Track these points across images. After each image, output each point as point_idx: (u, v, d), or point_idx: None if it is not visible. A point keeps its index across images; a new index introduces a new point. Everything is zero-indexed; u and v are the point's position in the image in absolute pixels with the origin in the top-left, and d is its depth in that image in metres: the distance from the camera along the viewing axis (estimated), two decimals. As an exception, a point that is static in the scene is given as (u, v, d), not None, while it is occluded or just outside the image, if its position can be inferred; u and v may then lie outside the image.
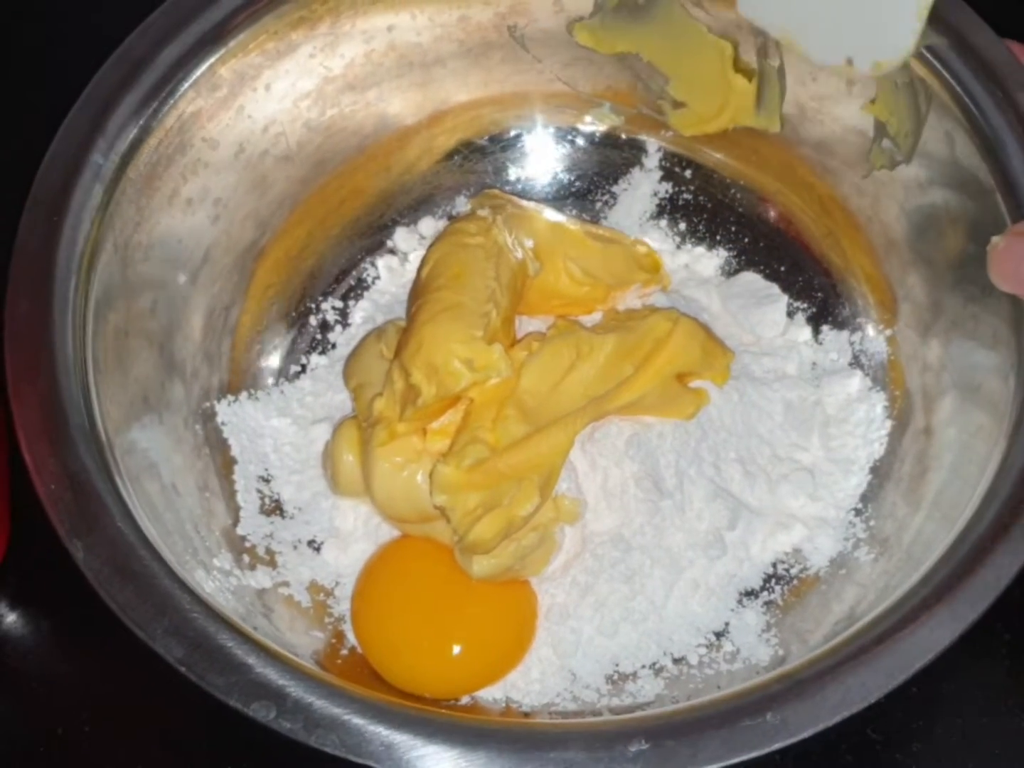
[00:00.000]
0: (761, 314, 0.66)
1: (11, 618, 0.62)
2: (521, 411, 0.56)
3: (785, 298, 0.67)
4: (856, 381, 0.64)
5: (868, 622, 0.48)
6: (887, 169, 0.61)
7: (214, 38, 0.59)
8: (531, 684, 0.58)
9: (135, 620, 0.46)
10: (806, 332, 0.67)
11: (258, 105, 0.63)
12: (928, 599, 0.47)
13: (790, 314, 0.67)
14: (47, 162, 0.56)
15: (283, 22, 0.61)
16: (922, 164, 0.59)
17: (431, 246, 0.61)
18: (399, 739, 0.45)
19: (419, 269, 0.61)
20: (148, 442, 0.57)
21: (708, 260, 0.70)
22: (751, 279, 0.68)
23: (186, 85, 0.59)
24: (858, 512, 0.61)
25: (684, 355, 0.59)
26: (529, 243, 0.61)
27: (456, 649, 0.57)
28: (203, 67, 0.59)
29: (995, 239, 0.51)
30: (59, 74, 0.58)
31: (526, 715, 0.57)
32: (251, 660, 0.46)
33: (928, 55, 0.57)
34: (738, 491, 0.61)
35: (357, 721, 0.45)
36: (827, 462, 0.63)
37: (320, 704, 0.45)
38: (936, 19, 0.55)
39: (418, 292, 0.60)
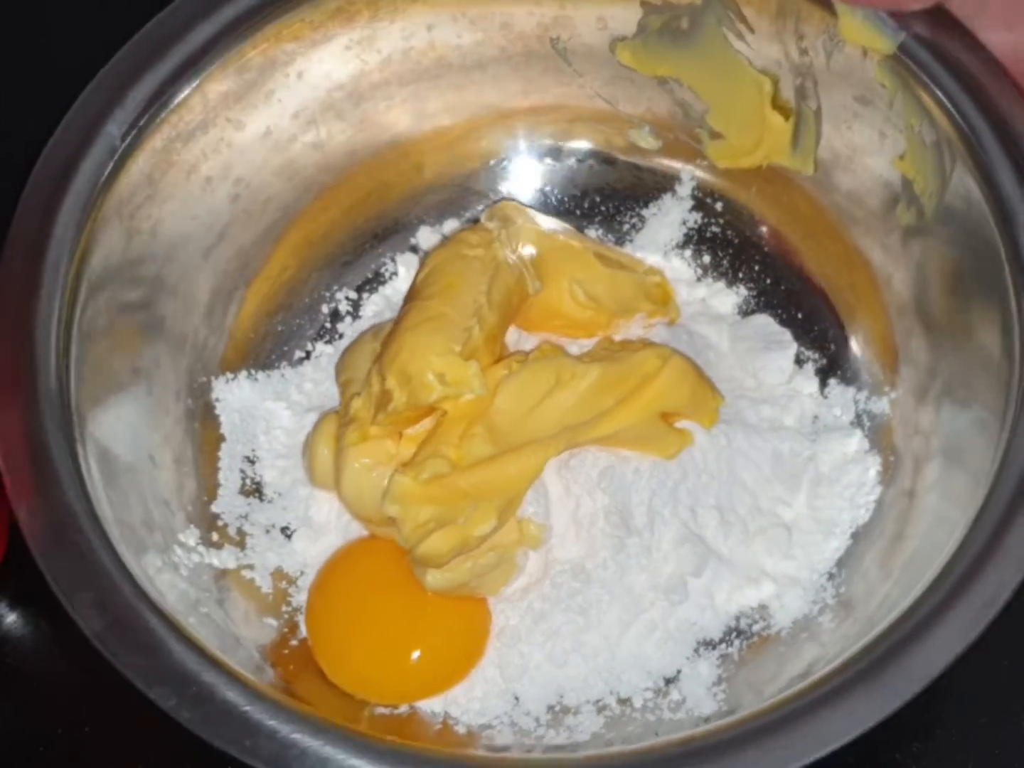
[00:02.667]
0: (767, 359, 0.64)
1: (11, 618, 0.62)
2: (490, 431, 0.56)
3: (795, 346, 0.66)
4: (855, 441, 0.63)
5: (793, 693, 0.46)
6: (911, 227, 0.60)
7: (246, 22, 0.60)
8: (472, 702, 0.58)
9: (62, 588, 0.47)
10: (812, 384, 0.65)
11: (289, 91, 0.63)
12: (855, 678, 0.46)
13: (800, 363, 0.66)
14: (61, 129, 0.56)
15: (319, 12, 0.61)
16: (942, 227, 0.58)
17: (432, 252, 0.61)
18: (294, 743, 0.45)
19: (416, 273, 0.61)
20: (129, 412, 0.58)
21: (726, 297, 0.68)
22: (764, 322, 0.67)
23: (213, 66, 0.59)
24: (831, 576, 0.60)
25: (670, 395, 0.58)
26: (533, 258, 0.61)
27: (400, 655, 0.57)
28: (233, 49, 0.60)
29: None
30: (83, 47, 0.58)
31: (461, 735, 0.57)
32: (166, 644, 0.47)
33: (956, 115, 0.55)
34: (711, 538, 0.60)
35: (259, 723, 0.45)
36: (809, 521, 0.61)
37: (222, 697, 0.46)
38: (966, 81, 0.55)
39: (409, 296, 0.60)
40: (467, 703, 0.58)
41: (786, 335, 0.66)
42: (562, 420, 0.57)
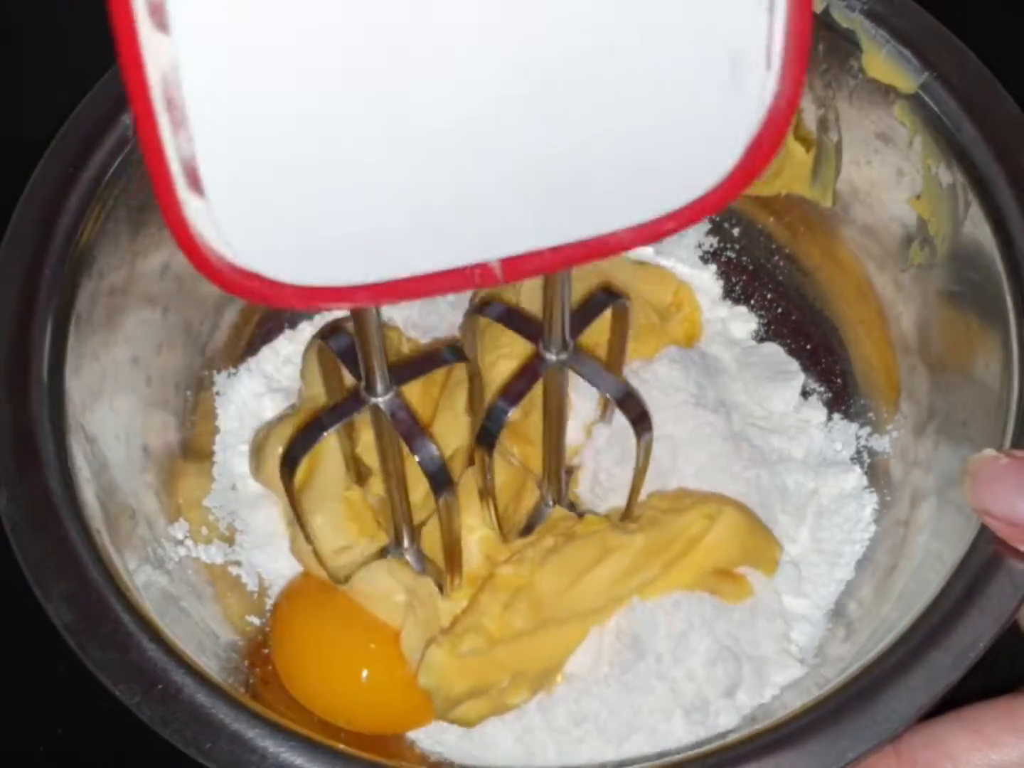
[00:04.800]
0: (773, 389, 0.64)
1: (11, 618, 0.61)
2: (533, 604, 0.54)
3: (802, 378, 0.65)
4: (853, 478, 0.62)
5: (748, 735, 0.46)
6: (923, 268, 0.59)
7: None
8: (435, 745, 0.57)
9: (35, 577, 0.47)
10: (821, 415, 0.65)
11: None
12: (819, 720, 0.45)
13: (805, 395, 0.65)
14: (74, 116, 0.56)
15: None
16: (952, 269, 0.57)
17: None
18: (255, 749, 0.45)
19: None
20: (126, 401, 0.58)
21: (744, 323, 0.68)
22: (772, 351, 0.66)
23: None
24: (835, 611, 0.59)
25: (720, 553, 0.56)
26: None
27: (364, 695, 0.56)
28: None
29: (986, 453, 0.48)
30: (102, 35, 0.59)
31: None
32: (136, 640, 0.46)
33: (972, 160, 0.54)
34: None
35: (222, 725, 0.45)
36: (814, 553, 0.61)
37: (188, 698, 0.45)
38: (985, 127, 0.54)
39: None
40: (431, 745, 0.57)
41: (793, 365, 0.66)
42: (608, 591, 0.55)
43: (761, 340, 0.67)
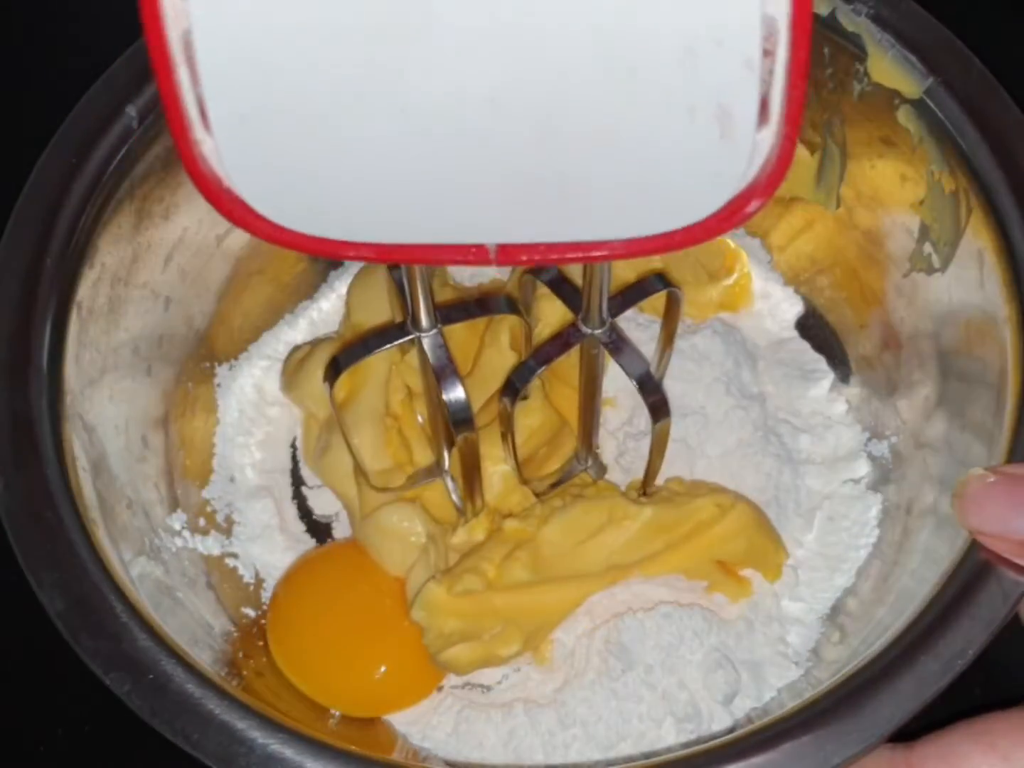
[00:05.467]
0: (803, 388, 0.64)
1: (11, 618, 0.61)
2: (534, 558, 0.55)
3: (832, 376, 0.65)
4: (859, 482, 0.62)
5: (732, 738, 0.46)
6: (924, 274, 0.59)
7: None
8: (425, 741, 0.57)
9: (29, 565, 0.47)
10: (841, 416, 0.64)
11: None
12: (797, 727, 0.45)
13: (822, 394, 0.65)
14: (80, 107, 0.56)
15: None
16: (954, 276, 0.57)
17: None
18: (243, 740, 0.45)
19: None
20: (125, 392, 0.58)
21: (791, 306, 0.67)
22: (801, 348, 0.66)
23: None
24: (831, 615, 0.59)
25: (725, 545, 0.57)
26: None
27: (361, 671, 0.57)
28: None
29: (975, 472, 0.47)
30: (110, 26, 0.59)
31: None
32: (128, 630, 0.47)
33: (974, 166, 0.54)
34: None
35: (210, 716, 0.45)
36: (817, 557, 0.61)
37: (177, 688, 0.46)
38: (988, 134, 0.54)
39: None
40: (420, 740, 0.57)
41: (822, 363, 0.66)
42: (609, 558, 0.56)
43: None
